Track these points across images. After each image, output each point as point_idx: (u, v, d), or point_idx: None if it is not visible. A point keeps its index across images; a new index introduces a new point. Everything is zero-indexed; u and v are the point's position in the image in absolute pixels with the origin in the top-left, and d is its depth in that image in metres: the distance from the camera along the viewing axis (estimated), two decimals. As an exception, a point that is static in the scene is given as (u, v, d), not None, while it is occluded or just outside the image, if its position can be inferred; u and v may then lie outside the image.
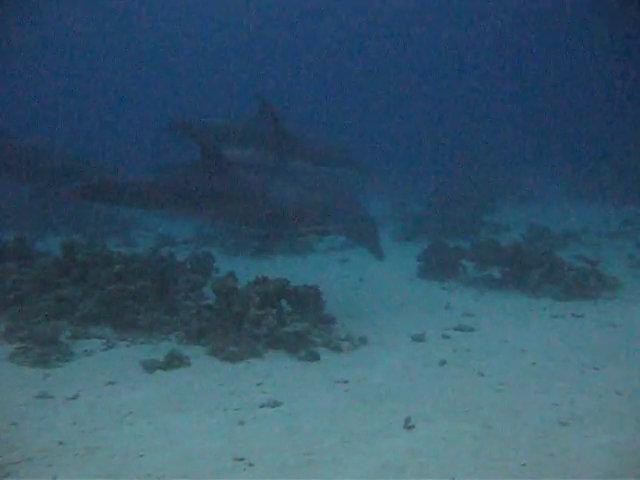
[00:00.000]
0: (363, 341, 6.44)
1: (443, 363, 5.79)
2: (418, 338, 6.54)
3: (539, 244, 10.32)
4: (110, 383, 5.21)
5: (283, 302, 6.73)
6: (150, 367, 5.54)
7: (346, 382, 5.33)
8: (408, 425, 4.42)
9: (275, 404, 4.83)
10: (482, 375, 5.46)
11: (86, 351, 5.98)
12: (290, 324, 6.26)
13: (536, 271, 8.31)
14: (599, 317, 7.21)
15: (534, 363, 5.74)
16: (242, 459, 3.97)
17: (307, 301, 6.79)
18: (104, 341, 6.24)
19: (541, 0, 38.08)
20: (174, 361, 5.61)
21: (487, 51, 44.29)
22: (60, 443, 4.12)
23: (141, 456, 3.98)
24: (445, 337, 6.63)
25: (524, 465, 3.85)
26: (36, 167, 10.58)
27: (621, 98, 29.65)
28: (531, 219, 14.05)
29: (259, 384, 5.28)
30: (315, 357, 5.91)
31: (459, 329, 6.87)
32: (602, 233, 12.76)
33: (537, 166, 22.90)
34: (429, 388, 5.20)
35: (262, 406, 4.80)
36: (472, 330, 6.85)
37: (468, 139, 26.33)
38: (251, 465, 3.91)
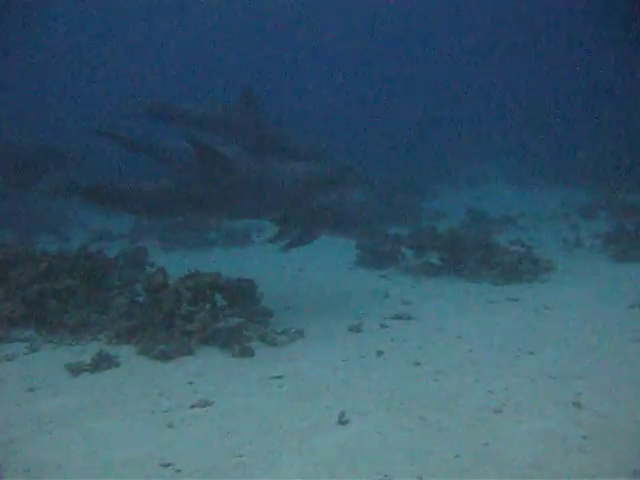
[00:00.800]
0: (300, 334, 6.31)
1: (380, 354, 5.71)
2: (356, 328, 6.45)
3: (476, 229, 10.39)
4: (30, 390, 4.93)
5: (217, 296, 6.54)
6: (76, 370, 5.28)
7: (280, 377, 5.19)
8: (342, 420, 4.31)
9: (206, 404, 4.66)
10: (419, 364, 5.40)
11: (7, 356, 5.66)
12: (224, 319, 6.08)
13: (473, 257, 8.32)
14: (534, 300, 7.27)
15: (471, 350, 5.72)
16: (169, 464, 3.79)
17: (242, 295, 6.61)
18: (27, 344, 5.93)
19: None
20: (102, 363, 5.36)
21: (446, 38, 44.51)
22: (-29, 458, 3.86)
23: (59, 467, 3.75)
24: (383, 326, 6.56)
25: (458, 457, 3.79)
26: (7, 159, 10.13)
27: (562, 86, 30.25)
28: (470, 204, 14.20)
29: (190, 383, 5.09)
30: (249, 353, 5.75)
31: (397, 318, 6.81)
32: (539, 216, 12.96)
33: (478, 151, 23.14)
34: (365, 380, 5.10)
35: (193, 407, 4.62)
36: (410, 318, 6.80)
37: (414, 127, 26.46)
38: (178, 471, 3.73)
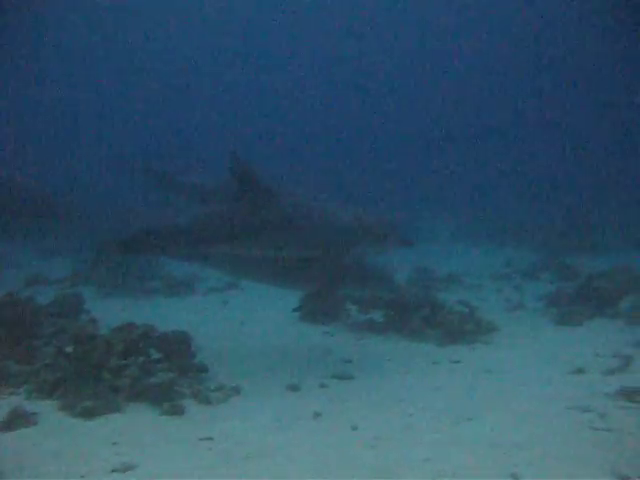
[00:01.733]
0: (236, 391, 6.08)
1: (317, 415, 5.51)
2: (294, 387, 6.25)
3: (421, 287, 10.36)
4: None
5: (152, 350, 6.27)
6: (-13, 428, 4.92)
7: (211, 439, 4.93)
8: (271, 489, 4.08)
9: (128, 468, 4.36)
10: (356, 429, 5.20)
11: None
12: (156, 374, 5.80)
13: (417, 315, 8.25)
14: (476, 363, 7.18)
15: (411, 414, 5.55)
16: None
17: (177, 348, 6.35)
18: (-61, 397, 5.52)
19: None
20: (17, 420, 5.00)
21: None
22: None
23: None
24: (322, 386, 6.36)
25: (390, 533, 3.59)
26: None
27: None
28: (416, 260, 14.17)
29: (114, 443, 4.79)
30: (180, 411, 5.48)
31: (338, 377, 6.64)
32: (483, 275, 13.04)
33: (430, 207, 23.40)
34: (300, 444, 4.88)
35: (113, 470, 4.33)
36: (351, 378, 6.63)
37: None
38: None
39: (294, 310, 7.98)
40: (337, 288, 7.41)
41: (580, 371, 6.78)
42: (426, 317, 8.23)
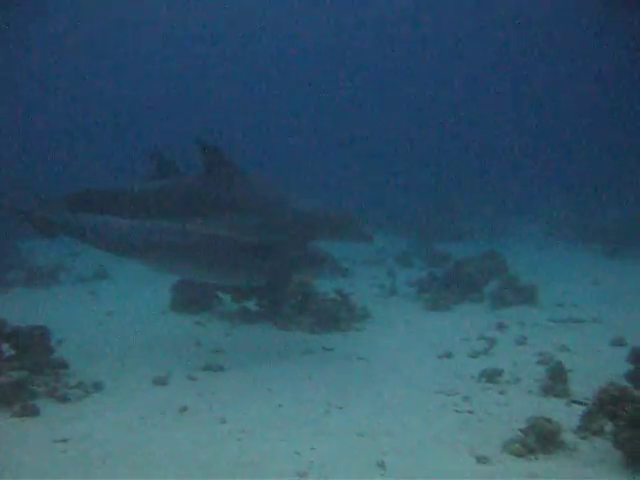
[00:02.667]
0: (97, 387, 5.74)
1: (184, 410, 5.28)
2: (160, 381, 5.97)
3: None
4: None
5: (4, 347, 5.78)
6: None
7: (66, 441, 4.60)
8: (130, 493, 3.84)
9: (-33, 478, 3.96)
10: (224, 422, 5.04)
11: None
12: (5, 373, 5.34)
13: (289, 303, 8.16)
14: (348, 350, 7.20)
15: (280, 405, 5.45)
16: None
17: (32, 343, 5.88)
18: None
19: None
20: None
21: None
22: None
23: None
24: (191, 379, 6.13)
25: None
26: None
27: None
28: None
29: (-45, 451, 4.35)
30: (33, 411, 5.07)
31: (207, 368, 6.42)
32: (357, 261, 13.17)
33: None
34: (164, 442, 4.66)
35: (-50, 482, 3.91)
36: (221, 369, 6.44)
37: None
38: None
39: (236, 301, 8.08)
40: (290, 278, 7.34)
41: (448, 355, 6.96)
42: (299, 305, 8.15)
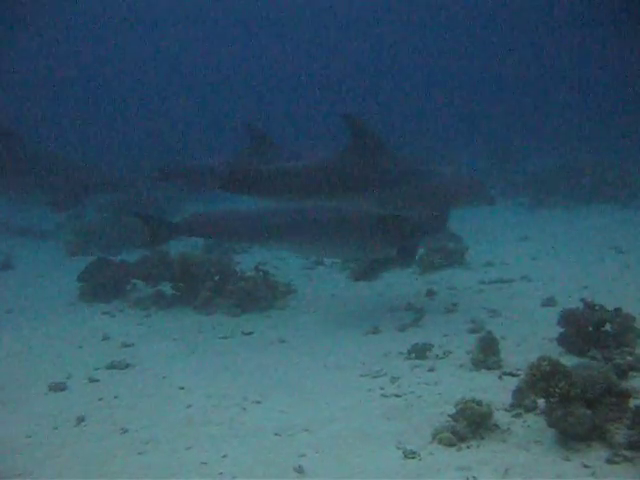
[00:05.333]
0: (-17, 401, 5.07)
1: (80, 421, 4.70)
2: (57, 387, 5.36)
3: (217, 252, 9.72)
4: None
5: None
6: None
7: None
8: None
9: None
10: (125, 432, 4.49)
11: None
12: None
13: (205, 285, 7.60)
14: (270, 333, 6.72)
15: (190, 405, 4.93)
16: None
17: None
18: None
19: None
20: None
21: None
22: None
23: None
24: (92, 381, 5.53)
25: None
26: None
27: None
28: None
29: None
30: None
31: (112, 367, 5.83)
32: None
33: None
34: (53, 460, 4.09)
35: None
36: (127, 367, 5.85)
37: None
38: None
39: (356, 279, 7.93)
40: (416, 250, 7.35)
41: (375, 331, 6.57)
42: (215, 286, 7.59)
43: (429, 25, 42.57)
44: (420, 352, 5.73)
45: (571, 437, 3.89)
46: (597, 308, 5.54)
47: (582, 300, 5.62)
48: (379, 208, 6.76)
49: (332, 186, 6.47)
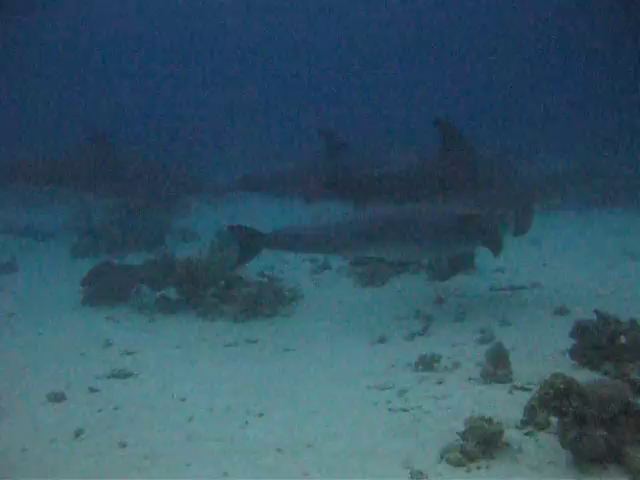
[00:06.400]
0: (-22, 413, 4.96)
1: (79, 433, 4.58)
2: (56, 397, 5.22)
3: (222, 255, 9.57)
4: None
5: None
6: None
7: None
8: None
9: None
10: (124, 446, 4.36)
11: None
12: None
13: (210, 290, 7.47)
14: (274, 341, 6.58)
15: (191, 418, 4.79)
16: None
17: None
18: None
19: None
20: None
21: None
22: None
23: None
24: (93, 391, 5.39)
25: None
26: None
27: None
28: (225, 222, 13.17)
29: None
30: None
31: (113, 376, 5.70)
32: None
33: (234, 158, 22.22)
34: (48, 478, 3.96)
35: None
36: (129, 375, 5.73)
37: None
38: None
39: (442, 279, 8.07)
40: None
41: (382, 340, 6.43)
42: (220, 292, 7.46)
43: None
44: (428, 363, 5.57)
45: (586, 459, 3.73)
46: (611, 320, 5.36)
47: (595, 311, 5.44)
48: (475, 209, 6.96)
49: (432, 189, 6.82)
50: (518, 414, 4.37)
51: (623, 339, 5.28)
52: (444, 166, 6.82)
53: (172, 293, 7.95)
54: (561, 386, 3.90)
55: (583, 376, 4.96)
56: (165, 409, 4.99)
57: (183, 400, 5.15)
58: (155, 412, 4.94)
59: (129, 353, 6.33)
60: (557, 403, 3.90)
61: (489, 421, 4.06)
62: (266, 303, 7.34)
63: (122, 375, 5.71)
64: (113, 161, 11.00)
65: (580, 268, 8.89)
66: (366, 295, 8.19)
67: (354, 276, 9.00)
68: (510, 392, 4.96)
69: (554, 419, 4.09)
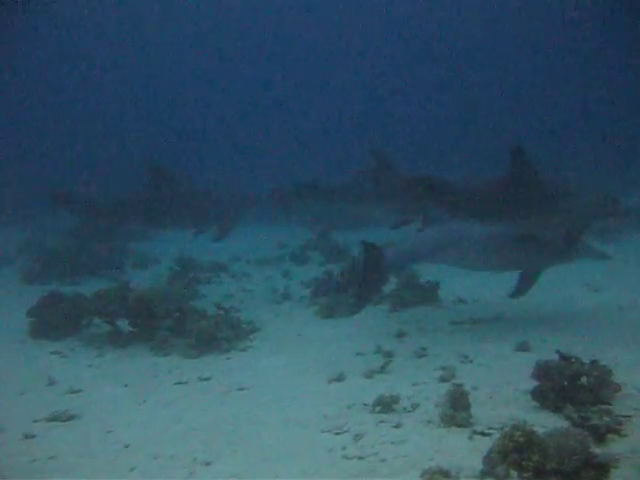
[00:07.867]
0: None
1: (8, 488, 4.25)
2: (-12, 445, 4.88)
3: (178, 285, 9.30)
4: None
5: None
6: None
7: None
8: None
9: None
10: (58, 502, 4.06)
11: None
12: None
13: (164, 323, 7.18)
14: (228, 379, 6.29)
15: (133, 468, 4.49)
16: None
17: None
18: None
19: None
20: None
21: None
22: None
23: None
24: (28, 437, 5.03)
25: None
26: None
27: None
28: (182, 246, 12.86)
29: None
30: None
31: (54, 419, 5.36)
32: (251, 261, 12.29)
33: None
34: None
35: None
36: (71, 418, 5.39)
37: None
38: None
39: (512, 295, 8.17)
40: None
41: (340, 378, 6.18)
42: (174, 325, 7.18)
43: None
44: (387, 404, 5.35)
45: (547, 516, 3.56)
46: (573, 360, 5.23)
47: (557, 352, 5.30)
48: (541, 229, 7.54)
49: (506, 210, 7.27)
50: (478, 463, 4.16)
51: (585, 380, 5.15)
52: (516, 189, 7.24)
53: (125, 325, 7.64)
54: (521, 439, 3.73)
55: (544, 419, 4.86)
56: (107, 457, 4.68)
57: (127, 447, 4.84)
58: (95, 461, 4.62)
59: (74, 392, 6.00)
60: (517, 456, 3.73)
61: (446, 474, 3.87)
62: (222, 337, 7.06)
63: (63, 418, 5.37)
64: (169, 191, 10.36)
65: (540, 300, 8.79)
66: (326, 327, 7.97)
67: (315, 307, 8.79)
68: (470, 438, 4.76)
69: (514, 471, 3.91)
